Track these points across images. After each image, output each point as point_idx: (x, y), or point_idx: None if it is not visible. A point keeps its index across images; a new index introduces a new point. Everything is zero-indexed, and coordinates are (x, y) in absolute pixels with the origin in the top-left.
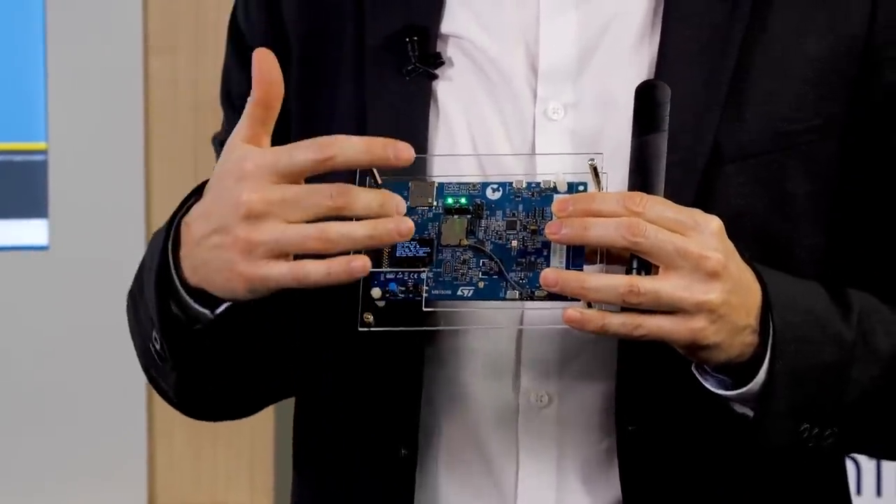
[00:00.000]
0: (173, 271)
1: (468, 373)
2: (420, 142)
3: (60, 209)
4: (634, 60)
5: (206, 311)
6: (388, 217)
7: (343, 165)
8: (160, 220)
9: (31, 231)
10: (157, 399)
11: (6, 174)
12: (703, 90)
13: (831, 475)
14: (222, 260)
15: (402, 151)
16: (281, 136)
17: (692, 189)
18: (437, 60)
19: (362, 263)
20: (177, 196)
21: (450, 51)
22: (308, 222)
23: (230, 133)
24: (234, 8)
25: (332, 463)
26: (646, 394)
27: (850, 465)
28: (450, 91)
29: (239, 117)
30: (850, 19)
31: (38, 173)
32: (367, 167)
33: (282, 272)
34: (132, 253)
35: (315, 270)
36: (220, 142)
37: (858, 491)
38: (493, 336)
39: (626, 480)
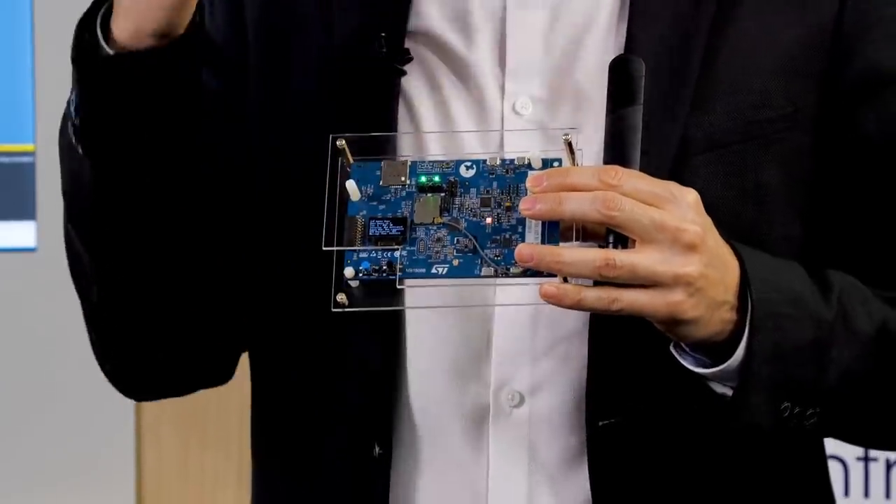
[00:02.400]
0: (98, 25)
1: (438, 369)
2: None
3: (48, 211)
4: (602, 54)
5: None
6: None
7: None
8: None
9: (19, 233)
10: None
11: None
12: (670, 82)
13: (812, 474)
14: None
15: None
16: (241, 145)
17: None
18: (405, 57)
19: None
20: None
21: (417, 47)
22: None
23: None
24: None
25: (298, 459)
26: (617, 389)
27: (837, 466)
28: (417, 87)
29: (208, 120)
30: (820, 7)
31: (26, 175)
32: None
33: None
34: None
35: None
36: None
37: (846, 492)
38: (463, 332)
39: (595, 477)
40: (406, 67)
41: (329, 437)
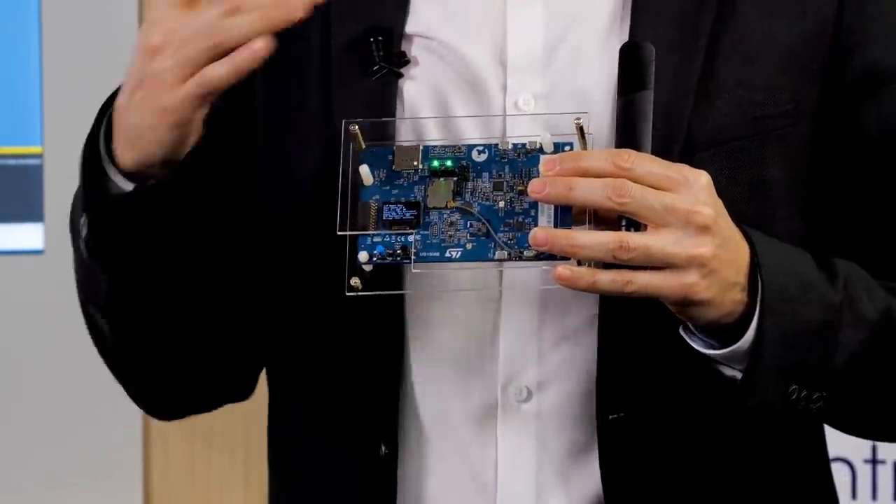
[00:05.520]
0: (102, 147)
1: (445, 366)
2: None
3: (56, 213)
4: (604, 51)
5: (128, 186)
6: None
7: None
8: None
9: (26, 235)
10: None
11: (1, 178)
12: (673, 79)
13: (818, 469)
14: (147, 108)
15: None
16: (249, 143)
17: None
18: (403, 59)
19: (262, 43)
20: None
21: (415, 50)
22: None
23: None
24: None
25: (308, 461)
26: (627, 382)
27: (844, 468)
28: (417, 89)
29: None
30: (821, 2)
31: (34, 177)
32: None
33: (191, 85)
34: None
35: (220, 67)
36: None
37: (854, 495)
38: (468, 328)
39: (605, 470)
40: (405, 70)
41: (336, 438)
